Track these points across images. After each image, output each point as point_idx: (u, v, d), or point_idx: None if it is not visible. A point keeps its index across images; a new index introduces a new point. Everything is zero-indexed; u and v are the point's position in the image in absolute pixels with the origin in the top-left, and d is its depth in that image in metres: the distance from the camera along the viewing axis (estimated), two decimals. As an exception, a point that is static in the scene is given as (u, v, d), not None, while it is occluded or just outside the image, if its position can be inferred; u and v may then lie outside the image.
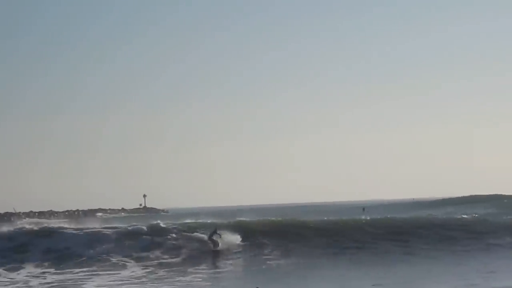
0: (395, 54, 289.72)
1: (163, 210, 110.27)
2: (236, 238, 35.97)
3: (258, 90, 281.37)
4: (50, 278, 28.39)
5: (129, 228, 36.58)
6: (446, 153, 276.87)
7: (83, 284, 26.64)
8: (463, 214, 44.13)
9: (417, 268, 29.07)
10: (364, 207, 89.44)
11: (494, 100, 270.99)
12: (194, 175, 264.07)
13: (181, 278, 27.68)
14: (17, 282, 27.44)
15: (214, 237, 35.78)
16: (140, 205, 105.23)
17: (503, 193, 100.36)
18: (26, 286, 26.55)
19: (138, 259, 32.03)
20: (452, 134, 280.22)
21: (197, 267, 30.43)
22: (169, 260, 32.40)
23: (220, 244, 35.40)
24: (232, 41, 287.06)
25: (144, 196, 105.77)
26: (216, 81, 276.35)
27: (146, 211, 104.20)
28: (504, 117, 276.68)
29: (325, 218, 42.31)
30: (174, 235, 35.60)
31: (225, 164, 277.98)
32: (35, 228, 36.30)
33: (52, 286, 26.47)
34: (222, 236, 35.75)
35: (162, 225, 37.00)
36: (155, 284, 26.18)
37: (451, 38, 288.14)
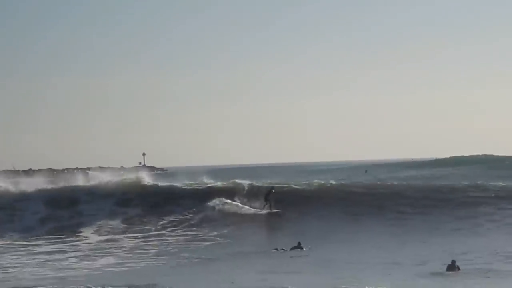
0: (398, 20, 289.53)
1: (162, 169, 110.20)
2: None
3: (263, 55, 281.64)
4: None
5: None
6: (445, 115, 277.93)
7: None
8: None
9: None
10: (366, 170, 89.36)
11: (493, 64, 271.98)
12: (193, 135, 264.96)
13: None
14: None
15: (270, 199, 34.27)
16: (140, 163, 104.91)
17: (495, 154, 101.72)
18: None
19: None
20: (453, 96, 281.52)
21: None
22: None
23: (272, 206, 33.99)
24: (241, 8, 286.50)
25: (144, 154, 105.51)
26: (220, 44, 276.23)
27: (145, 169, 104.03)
28: (500, 82, 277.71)
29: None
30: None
31: (226, 124, 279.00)
32: None
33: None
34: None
35: None
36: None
37: (451, 5, 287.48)
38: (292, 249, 26.31)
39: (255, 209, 34.50)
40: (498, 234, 28.41)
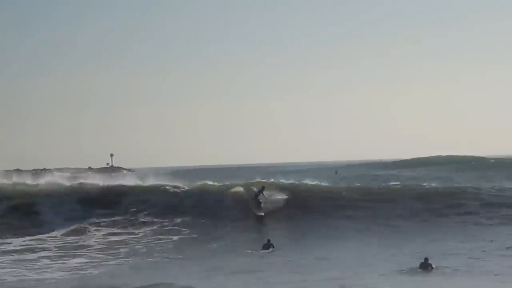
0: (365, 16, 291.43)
1: (129, 169, 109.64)
2: (281, 197, 33.20)
3: (235, 57, 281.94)
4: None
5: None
6: (409, 116, 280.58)
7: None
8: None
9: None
10: (336, 171, 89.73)
11: (456, 60, 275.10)
12: (162, 136, 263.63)
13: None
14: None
15: (260, 198, 32.52)
16: (107, 164, 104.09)
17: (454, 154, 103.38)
18: None
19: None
20: (418, 97, 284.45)
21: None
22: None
23: (263, 207, 32.10)
24: (213, 9, 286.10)
25: (111, 155, 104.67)
26: (193, 46, 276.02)
27: (113, 170, 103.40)
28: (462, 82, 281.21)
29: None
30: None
31: (195, 125, 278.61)
32: None
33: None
34: (268, 197, 32.56)
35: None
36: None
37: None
38: (263, 248, 26.16)
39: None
40: (482, 235, 28.52)
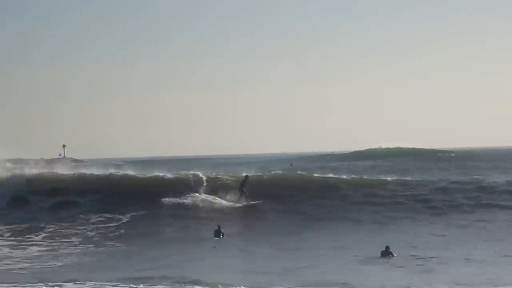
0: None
1: (82, 161, 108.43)
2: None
3: (193, 49, 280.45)
4: None
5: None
6: (361, 109, 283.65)
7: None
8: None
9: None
10: (291, 163, 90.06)
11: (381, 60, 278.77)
12: (110, 128, 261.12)
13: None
14: None
15: (244, 189, 32.05)
16: (60, 155, 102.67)
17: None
18: None
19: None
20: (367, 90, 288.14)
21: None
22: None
23: (247, 196, 31.78)
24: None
25: (64, 146, 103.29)
26: (150, 41, 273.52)
27: (66, 161, 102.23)
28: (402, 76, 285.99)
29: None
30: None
31: (150, 116, 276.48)
32: None
33: None
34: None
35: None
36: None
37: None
38: (214, 235, 26.34)
39: (231, 202, 32.31)
40: (446, 227, 28.38)
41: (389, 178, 37.09)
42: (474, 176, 45.06)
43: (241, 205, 31.87)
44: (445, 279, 17.88)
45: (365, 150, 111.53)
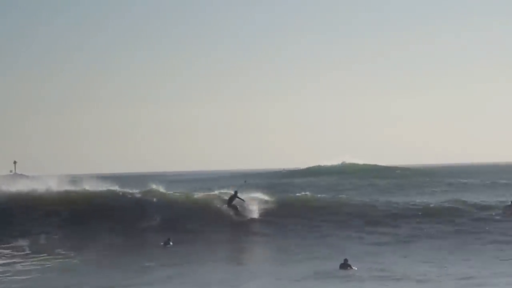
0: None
1: (33, 177, 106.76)
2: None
3: (148, 61, 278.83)
4: None
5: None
6: (304, 127, 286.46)
7: None
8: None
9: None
10: (245, 180, 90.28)
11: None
12: (60, 142, 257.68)
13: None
14: None
15: (234, 203, 32.11)
16: (11, 171, 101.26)
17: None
18: None
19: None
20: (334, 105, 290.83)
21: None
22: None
23: (240, 210, 31.86)
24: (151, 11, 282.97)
25: (15, 162, 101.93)
26: (92, 51, 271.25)
27: (16, 178, 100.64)
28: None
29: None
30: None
31: (101, 130, 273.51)
32: None
33: None
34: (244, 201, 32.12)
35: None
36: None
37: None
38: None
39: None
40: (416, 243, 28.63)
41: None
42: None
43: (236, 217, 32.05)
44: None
45: (310, 167, 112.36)
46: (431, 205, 34.98)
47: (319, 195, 39.15)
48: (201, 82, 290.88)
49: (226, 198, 33.43)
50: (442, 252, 26.22)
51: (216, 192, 36.04)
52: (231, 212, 32.21)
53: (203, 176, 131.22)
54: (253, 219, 32.63)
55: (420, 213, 33.39)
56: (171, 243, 27.95)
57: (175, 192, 37.08)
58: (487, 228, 30.89)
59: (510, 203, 34.02)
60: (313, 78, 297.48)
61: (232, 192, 33.34)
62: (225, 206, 32.60)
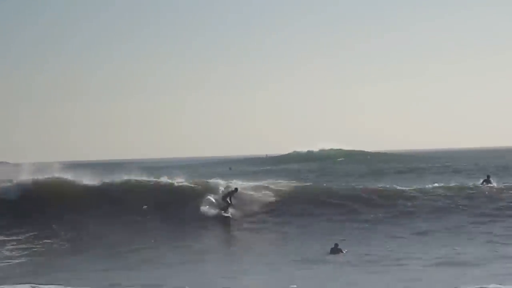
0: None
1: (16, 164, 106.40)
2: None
3: (118, 50, 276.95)
4: None
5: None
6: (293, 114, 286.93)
7: None
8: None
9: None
10: (230, 167, 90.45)
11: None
12: (35, 131, 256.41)
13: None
14: None
15: (230, 199, 30.06)
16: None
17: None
18: None
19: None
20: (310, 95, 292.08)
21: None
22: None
23: (231, 209, 29.87)
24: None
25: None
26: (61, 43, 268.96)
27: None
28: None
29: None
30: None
31: (67, 121, 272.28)
32: None
33: None
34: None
35: None
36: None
37: None
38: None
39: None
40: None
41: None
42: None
43: (225, 215, 30.09)
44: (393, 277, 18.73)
45: (290, 153, 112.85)
46: (427, 188, 34.45)
47: (307, 184, 38.83)
48: (185, 70, 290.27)
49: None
50: (427, 238, 26.28)
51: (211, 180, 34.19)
52: (222, 206, 30.29)
53: (191, 163, 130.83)
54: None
55: (412, 195, 32.88)
56: None
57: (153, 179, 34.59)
58: (475, 207, 31.07)
59: (482, 181, 35.75)
60: (290, 70, 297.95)
61: (233, 188, 31.35)
62: (217, 197, 30.88)
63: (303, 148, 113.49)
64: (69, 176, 33.51)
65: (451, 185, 35.73)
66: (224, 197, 30.48)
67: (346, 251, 22.86)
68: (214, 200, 30.67)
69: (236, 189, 30.96)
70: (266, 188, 33.29)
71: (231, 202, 30.40)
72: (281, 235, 27.81)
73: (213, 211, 30.17)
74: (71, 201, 30.94)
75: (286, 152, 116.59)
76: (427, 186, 35.18)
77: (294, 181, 37.73)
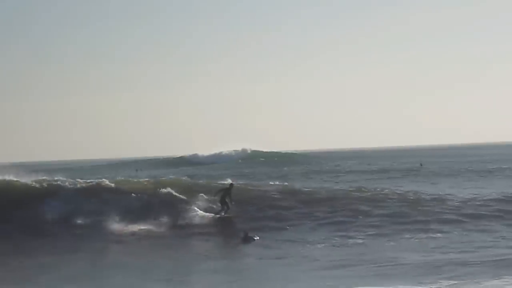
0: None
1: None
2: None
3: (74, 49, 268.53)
4: None
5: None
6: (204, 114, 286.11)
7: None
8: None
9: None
10: (137, 169, 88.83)
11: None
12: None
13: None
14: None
15: (227, 199, 27.03)
16: None
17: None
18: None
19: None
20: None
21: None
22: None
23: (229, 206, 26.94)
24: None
25: None
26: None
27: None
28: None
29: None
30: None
31: (19, 121, 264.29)
32: None
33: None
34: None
35: None
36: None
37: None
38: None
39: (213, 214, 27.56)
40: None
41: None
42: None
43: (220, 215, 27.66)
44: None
45: (224, 153, 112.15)
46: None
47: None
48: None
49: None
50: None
51: None
52: (224, 208, 27.58)
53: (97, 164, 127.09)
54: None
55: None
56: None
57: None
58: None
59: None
60: (203, 69, 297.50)
61: (227, 184, 28.68)
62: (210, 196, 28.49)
63: (222, 149, 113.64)
64: None
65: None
66: (222, 198, 27.31)
67: (257, 238, 23.88)
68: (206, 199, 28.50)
69: (231, 184, 28.28)
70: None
71: (231, 201, 27.45)
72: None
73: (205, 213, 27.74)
74: None
75: (208, 153, 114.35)
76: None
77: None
